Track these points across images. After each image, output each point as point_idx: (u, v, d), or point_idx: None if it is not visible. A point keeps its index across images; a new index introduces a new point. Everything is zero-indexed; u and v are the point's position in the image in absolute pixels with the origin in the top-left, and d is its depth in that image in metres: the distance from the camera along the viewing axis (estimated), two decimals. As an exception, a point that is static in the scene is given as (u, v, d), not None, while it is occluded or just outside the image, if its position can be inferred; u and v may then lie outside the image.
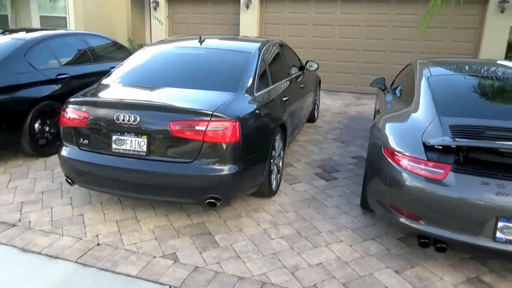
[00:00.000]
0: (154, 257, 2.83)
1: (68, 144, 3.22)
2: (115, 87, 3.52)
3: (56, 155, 4.73)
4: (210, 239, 3.07)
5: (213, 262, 2.79)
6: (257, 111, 3.27)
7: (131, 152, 2.97)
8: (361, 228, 3.28)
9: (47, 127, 4.69)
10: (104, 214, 3.41)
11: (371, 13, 9.01)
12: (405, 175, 2.66)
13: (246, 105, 3.18)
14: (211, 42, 4.25)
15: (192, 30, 10.95)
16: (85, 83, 5.18)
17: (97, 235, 3.09)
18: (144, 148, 2.94)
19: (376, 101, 5.46)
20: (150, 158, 2.94)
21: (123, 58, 6.14)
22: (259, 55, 3.81)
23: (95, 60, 5.59)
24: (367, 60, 9.27)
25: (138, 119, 2.89)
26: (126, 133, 2.96)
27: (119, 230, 3.16)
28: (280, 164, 3.92)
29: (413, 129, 2.95)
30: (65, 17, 13.07)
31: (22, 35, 5.07)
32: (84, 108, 3.07)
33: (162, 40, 4.39)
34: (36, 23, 12.57)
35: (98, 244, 2.96)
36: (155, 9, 10.90)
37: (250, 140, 3.08)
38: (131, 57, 3.94)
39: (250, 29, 9.67)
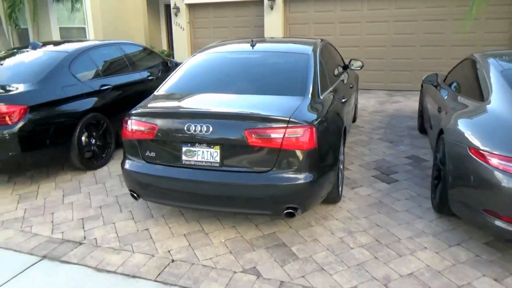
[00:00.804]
0: (235, 272, 2.69)
1: (132, 157, 3.11)
2: (176, 96, 3.40)
3: (104, 168, 4.67)
4: (287, 250, 2.93)
5: (297, 275, 2.64)
6: (326, 115, 3.13)
7: (203, 163, 2.84)
8: (442, 233, 3.11)
9: (93, 140, 4.61)
10: (169, 228, 3.29)
11: (399, 8, 8.81)
12: (502, 176, 2.49)
13: (316, 109, 3.04)
14: (264, 45, 4.11)
15: (214, 34, 10.86)
16: (126, 93, 5.14)
17: (169, 251, 2.97)
18: (217, 158, 2.81)
19: (425, 98, 5.25)
20: (223, 169, 2.81)
21: (157, 65, 6.08)
22: (315, 56, 3.67)
23: (132, 69, 5.51)
24: (396, 56, 9.06)
25: (211, 128, 2.77)
26: (197, 144, 2.84)
27: (190, 245, 3.04)
28: (342, 168, 3.78)
29: (501, 126, 2.78)
30: (84, 28, 13.12)
31: (62, 47, 5.00)
32: (150, 119, 2.95)
33: (211, 46, 4.26)
34: (56, 35, 12.62)
35: (173, 261, 2.84)
36: (176, 15, 10.84)
37: (324, 145, 2.94)
38: (183, 65, 3.81)
39: (275, 30, 9.54)
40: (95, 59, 4.93)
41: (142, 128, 2.98)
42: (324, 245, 2.99)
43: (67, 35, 12.90)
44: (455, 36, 8.55)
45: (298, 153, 2.73)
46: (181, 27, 10.95)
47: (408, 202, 3.64)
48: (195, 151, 2.85)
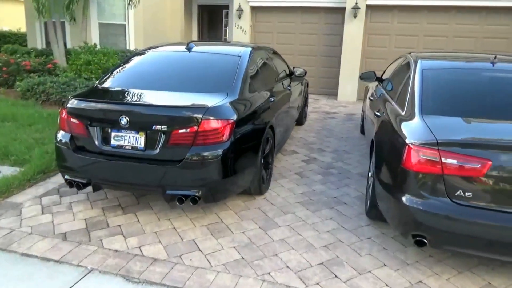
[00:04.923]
0: None
1: (426, 193, 2.49)
2: (471, 121, 2.80)
3: (271, 193, 3.88)
4: None
5: None
6: None
7: (552, 210, 2.28)
8: None
9: (262, 160, 3.92)
10: (447, 279, 2.69)
11: (490, 24, 8.51)
12: None
13: None
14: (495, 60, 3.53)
15: (277, 40, 10.29)
16: (280, 105, 4.49)
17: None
18: None
19: None
20: None
21: (287, 74, 5.45)
22: None
23: (278, 78, 4.86)
24: (483, 73, 8.75)
25: None
26: (545, 186, 2.28)
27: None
28: None
29: None
30: (124, 25, 12.30)
31: (223, 49, 4.32)
32: (482, 152, 2.36)
33: (423, 55, 3.70)
34: (95, 31, 11.75)
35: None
36: (239, 17, 10.19)
37: None
38: (420, 79, 3.19)
39: (356, 40, 9.05)
40: (258, 65, 4.27)
41: (463, 163, 2.38)
42: None
43: (107, 31, 12.05)
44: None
45: None
46: (242, 30, 10.31)
47: None
48: (542, 195, 2.29)
